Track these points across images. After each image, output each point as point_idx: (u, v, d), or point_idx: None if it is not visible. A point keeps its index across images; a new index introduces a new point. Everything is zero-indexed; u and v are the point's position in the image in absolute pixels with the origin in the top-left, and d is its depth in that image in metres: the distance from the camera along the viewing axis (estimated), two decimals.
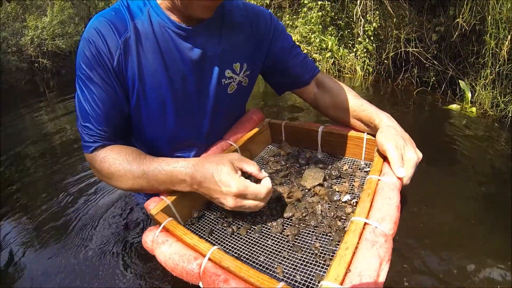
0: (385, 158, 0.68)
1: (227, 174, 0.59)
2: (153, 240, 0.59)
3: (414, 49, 2.55)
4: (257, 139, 0.93)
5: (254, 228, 0.65)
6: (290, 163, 0.86)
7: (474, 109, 2.02)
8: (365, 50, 2.86)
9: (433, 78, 2.50)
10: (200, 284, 0.51)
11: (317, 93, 0.91)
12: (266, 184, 0.61)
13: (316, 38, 3.09)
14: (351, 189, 0.72)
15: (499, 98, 1.93)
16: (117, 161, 0.67)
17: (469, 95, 2.10)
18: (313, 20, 3.12)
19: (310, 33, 3.16)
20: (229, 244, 0.62)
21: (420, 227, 1.09)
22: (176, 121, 0.77)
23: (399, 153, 0.63)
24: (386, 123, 0.72)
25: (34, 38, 4.41)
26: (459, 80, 2.22)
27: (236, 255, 0.59)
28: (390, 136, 0.66)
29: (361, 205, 0.54)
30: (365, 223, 0.50)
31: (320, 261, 0.54)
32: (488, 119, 1.93)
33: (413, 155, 0.63)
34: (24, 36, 4.41)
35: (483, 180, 1.34)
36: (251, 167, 0.62)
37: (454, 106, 2.12)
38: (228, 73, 0.78)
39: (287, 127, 0.94)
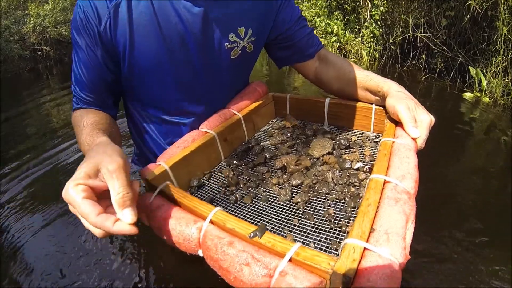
0: (397, 124, 0.64)
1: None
2: (147, 205, 0.52)
3: (423, 34, 2.47)
4: (261, 112, 0.89)
5: (260, 197, 0.60)
6: (297, 135, 0.82)
7: (487, 98, 1.96)
8: (371, 35, 2.78)
9: (441, 64, 2.42)
10: (200, 253, 0.45)
11: (319, 67, 0.88)
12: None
13: (322, 22, 3.02)
14: (362, 158, 0.68)
15: (510, 86, 1.86)
16: (78, 125, 0.66)
17: (484, 83, 2.02)
18: (318, 3, 3.04)
19: (315, 17, 3.08)
20: (233, 212, 0.57)
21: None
22: (174, 86, 0.74)
23: (411, 114, 0.60)
24: (395, 89, 0.68)
25: (36, 26, 4.33)
26: (470, 67, 2.15)
27: None
28: (400, 99, 0.63)
29: (378, 164, 0.49)
30: (385, 181, 0.45)
31: (336, 228, 0.50)
32: (499, 107, 1.86)
33: (426, 117, 0.60)
34: (26, 24, 4.34)
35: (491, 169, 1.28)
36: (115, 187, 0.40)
37: (468, 95, 2.05)
38: (232, 37, 0.73)
39: (292, 100, 0.90)
